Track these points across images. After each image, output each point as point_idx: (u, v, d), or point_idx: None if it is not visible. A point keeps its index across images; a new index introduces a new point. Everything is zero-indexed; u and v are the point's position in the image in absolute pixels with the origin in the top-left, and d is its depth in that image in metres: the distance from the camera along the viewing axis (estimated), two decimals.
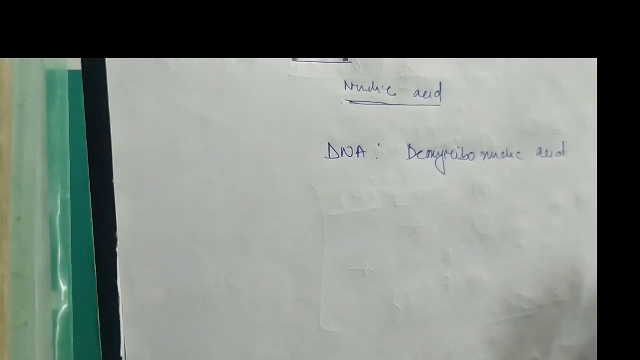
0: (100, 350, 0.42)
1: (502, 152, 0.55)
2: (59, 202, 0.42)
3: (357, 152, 0.50)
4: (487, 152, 0.55)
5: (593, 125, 0.59)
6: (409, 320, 0.52)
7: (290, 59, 0.47)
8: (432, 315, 0.53)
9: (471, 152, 0.54)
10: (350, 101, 0.49)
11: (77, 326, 0.42)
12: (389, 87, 0.50)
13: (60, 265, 0.42)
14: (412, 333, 0.53)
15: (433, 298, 0.53)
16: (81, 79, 0.42)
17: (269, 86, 0.46)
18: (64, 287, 0.42)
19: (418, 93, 0.51)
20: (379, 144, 0.50)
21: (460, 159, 0.54)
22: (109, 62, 0.42)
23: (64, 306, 0.42)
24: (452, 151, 0.53)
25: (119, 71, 0.42)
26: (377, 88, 0.50)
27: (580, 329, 0.60)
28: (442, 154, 0.53)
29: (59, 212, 0.42)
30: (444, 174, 0.53)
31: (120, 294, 0.43)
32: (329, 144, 0.49)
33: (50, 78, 0.42)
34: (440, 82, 0.52)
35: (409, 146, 0.52)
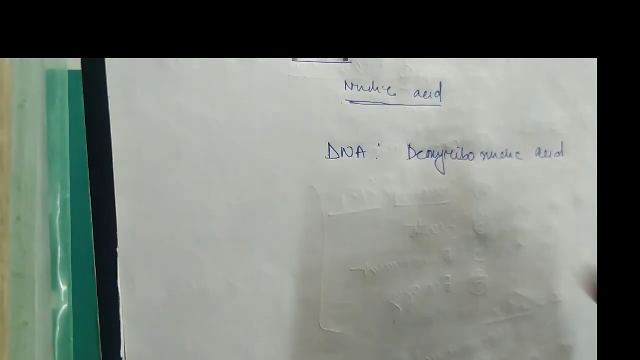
0: (100, 350, 0.42)
1: (502, 152, 0.55)
2: (58, 202, 0.42)
3: (357, 152, 0.50)
4: (486, 152, 0.55)
5: (593, 125, 0.59)
6: (409, 320, 0.52)
7: (290, 59, 0.47)
8: (432, 315, 0.53)
9: (471, 152, 0.54)
10: (351, 101, 0.49)
11: (77, 326, 0.42)
12: (389, 87, 0.50)
13: (60, 266, 0.42)
14: (412, 333, 0.53)
15: (433, 298, 0.53)
16: (81, 79, 0.42)
17: (269, 86, 0.46)
18: (63, 287, 0.42)
19: (418, 93, 0.51)
20: (379, 144, 0.50)
21: (460, 159, 0.54)
22: (109, 62, 0.42)
23: (64, 306, 0.42)
24: (452, 151, 0.53)
25: (119, 71, 0.42)
26: (377, 88, 0.50)
27: (580, 329, 0.60)
28: (442, 154, 0.53)
29: (58, 212, 0.42)
30: (443, 174, 0.53)
31: (120, 294, 0.43)
32: (329, 144, 0.49)
33: (50, 78, 0.42)
34: (440, 82, 0.52)
35: (409, 146, 0.52)
